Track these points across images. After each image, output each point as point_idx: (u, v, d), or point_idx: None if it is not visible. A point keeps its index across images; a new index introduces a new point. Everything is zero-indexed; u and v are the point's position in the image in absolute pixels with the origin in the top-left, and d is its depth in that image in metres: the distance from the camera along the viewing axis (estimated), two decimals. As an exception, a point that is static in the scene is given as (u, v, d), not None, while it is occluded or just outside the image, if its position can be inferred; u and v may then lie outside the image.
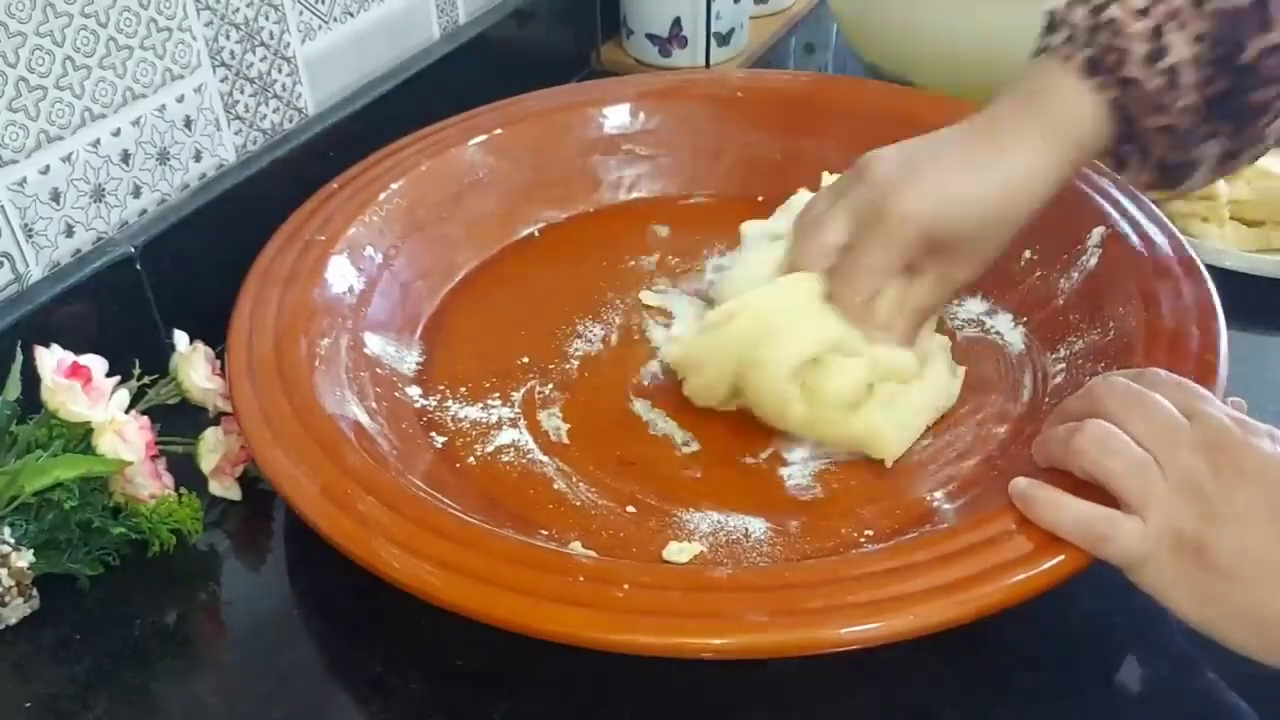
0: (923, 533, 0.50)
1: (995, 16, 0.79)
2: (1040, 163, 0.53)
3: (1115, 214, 0.64)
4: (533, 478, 0.58)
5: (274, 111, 0.73)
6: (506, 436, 0.60)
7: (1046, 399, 0.59)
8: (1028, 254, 0.67)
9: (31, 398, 0.53)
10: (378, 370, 0.62)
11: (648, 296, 0.70)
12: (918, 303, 0.56)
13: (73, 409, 0.52)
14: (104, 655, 0.50)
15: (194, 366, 0.57)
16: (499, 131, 0.75)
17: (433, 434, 0.60)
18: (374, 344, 0.63)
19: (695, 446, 0.59)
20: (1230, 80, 0.50)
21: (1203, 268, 0.60)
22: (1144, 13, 0.50)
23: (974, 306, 0.68)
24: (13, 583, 0.50)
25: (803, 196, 0.64)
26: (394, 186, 0.70)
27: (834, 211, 0.56)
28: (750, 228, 0.66)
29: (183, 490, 0.55)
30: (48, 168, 0.60)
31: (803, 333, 0.56)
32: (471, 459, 0.59)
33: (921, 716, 0.47)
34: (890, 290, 0.56)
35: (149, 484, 0.54)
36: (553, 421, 0.61)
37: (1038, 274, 0.66)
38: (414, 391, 0.63)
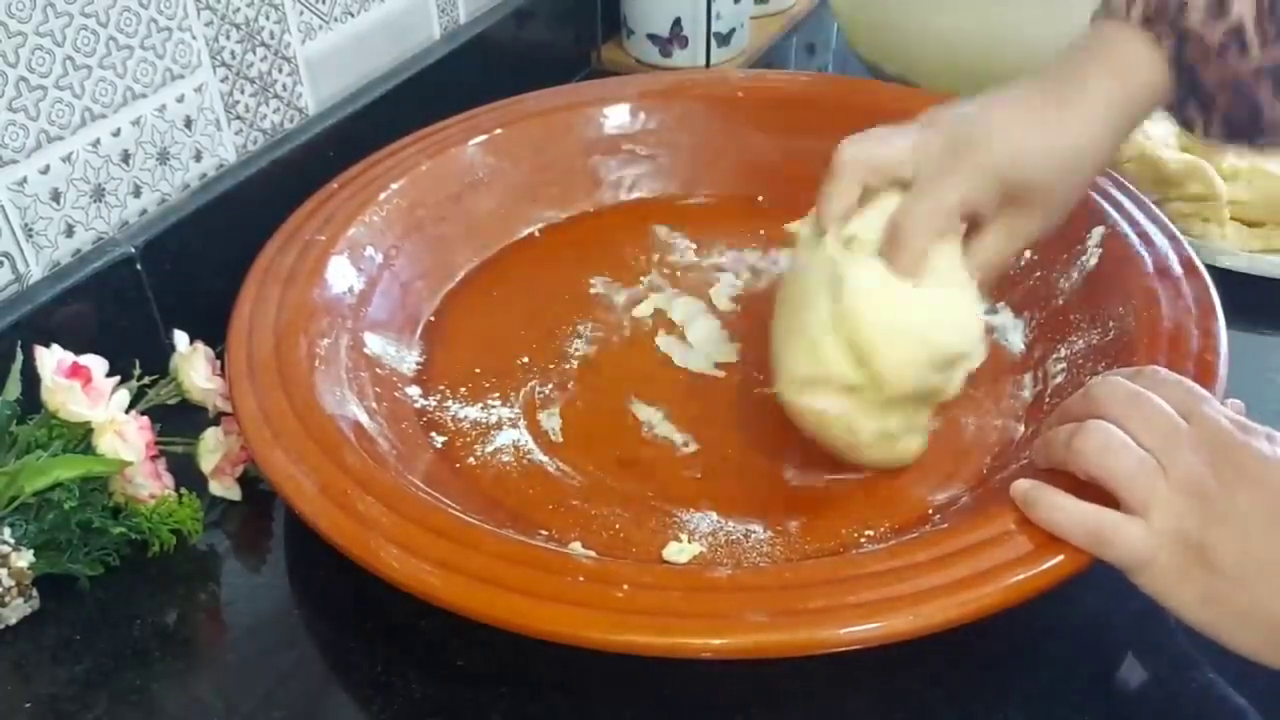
0: (923, 533, 0.50)
1: (996, 17, 0.79)
2: (1105, 115, 0.53)
3: (1115, 214, 0.64)
4: (533, 478, 0.58)
5: (274, 111, 0.73)
6: (506, 436, 0.60)
7: (1047, 399, 0.59)
8: (1028, 254, 0.67)
9: (31, 398, 0.53)
10: (378, 370, 0.62)
11: (648, 298, 0.70)
12: (989, 253, 0.55)
13: (73, 409, 0.52)
14: (104, 655, 0.50)
15: (194, 366, 0.57)
16: (499, 131, 0.75)
17: (433, 434, 0.60)
18: (374, 344, 0.63)
19: (695, 446, 0.59)
20: None
21: (1203, 268, 0.60)
22: None
23: (974, 306, 0.68)
24: (13, 583, 0.50)
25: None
26: (394, 186, 0.70)
27: (897, 134, 0.55)
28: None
29: (183, 490, 0.55)
30: (48, 167, 0.60)
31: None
32: (471, 459, 0.59)
33: (921, 716, 0.47)
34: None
35: (149, 484, 0.54)
36: (553, 421, 0.61)
37: (1038, 274, 0.66)
38: (414, 391, 0.63)
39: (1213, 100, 0.52)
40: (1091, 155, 0.54)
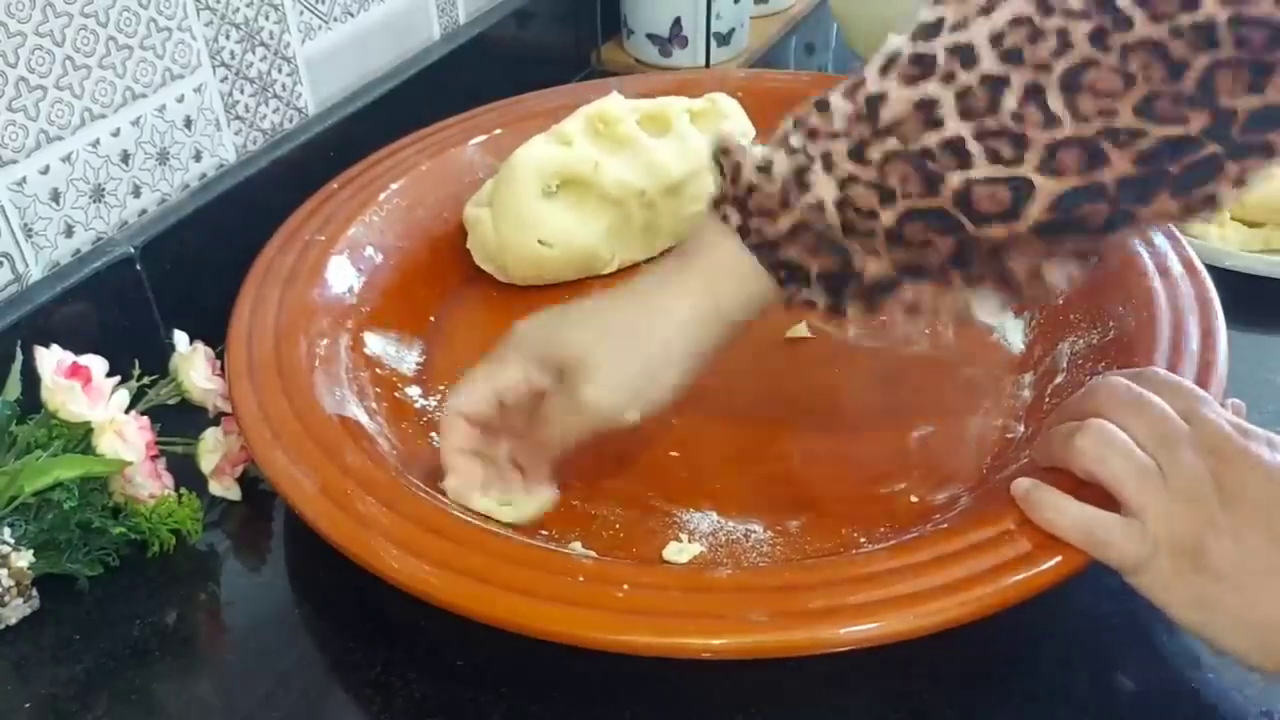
0: (923, 533, 0.50)
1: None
2: (679, 334, 0.49)
3: (1115, 214, 0.64)
4: (533, 478, 0.58)
5: (274, 111, 0.73)
6: (506, 436, 0.60)
7: (1047, 399, 0.59)
8: (1028, 254, 0.67)
9: (31, 398, 0.53)
10: (378, 370, 0.62)
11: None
12: (553, 433, 0.52)
13: (73, 409, 0.52)
14: (104, 655, 0.50)
15: (194, 366, 0.57)
16: (499, 131, 0.75)
17: (433, 434, 0.60)
18: (374, 344, 0.63)
19: (695, 446, 0.59)
20: (956, 234, 0.44)
21: (1203, 268, 0.60)
22: (791, 152, 0.46)
23: (974, 306, 0.68)
24: (13, 583, 0.50)
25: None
26: (394, 186, 0.70)
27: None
28: None
29: (183, 490, 0.55)
30: (48, 168, 0.60)
31: None
32: (471, 459, 0.59)
33: (921, 716, 0.47)
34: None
35: (149, 484, 0.54)
36: (553, 421, 0.61)
37: (1038, 274, 0.66)
38: (414, 391, 0.63)
39: (797, 267, 0.48)
40: (680, 359, 0.50)
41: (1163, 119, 0.41)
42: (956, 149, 0.43)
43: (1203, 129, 0.41)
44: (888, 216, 0.45)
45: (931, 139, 0.43)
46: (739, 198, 0.48)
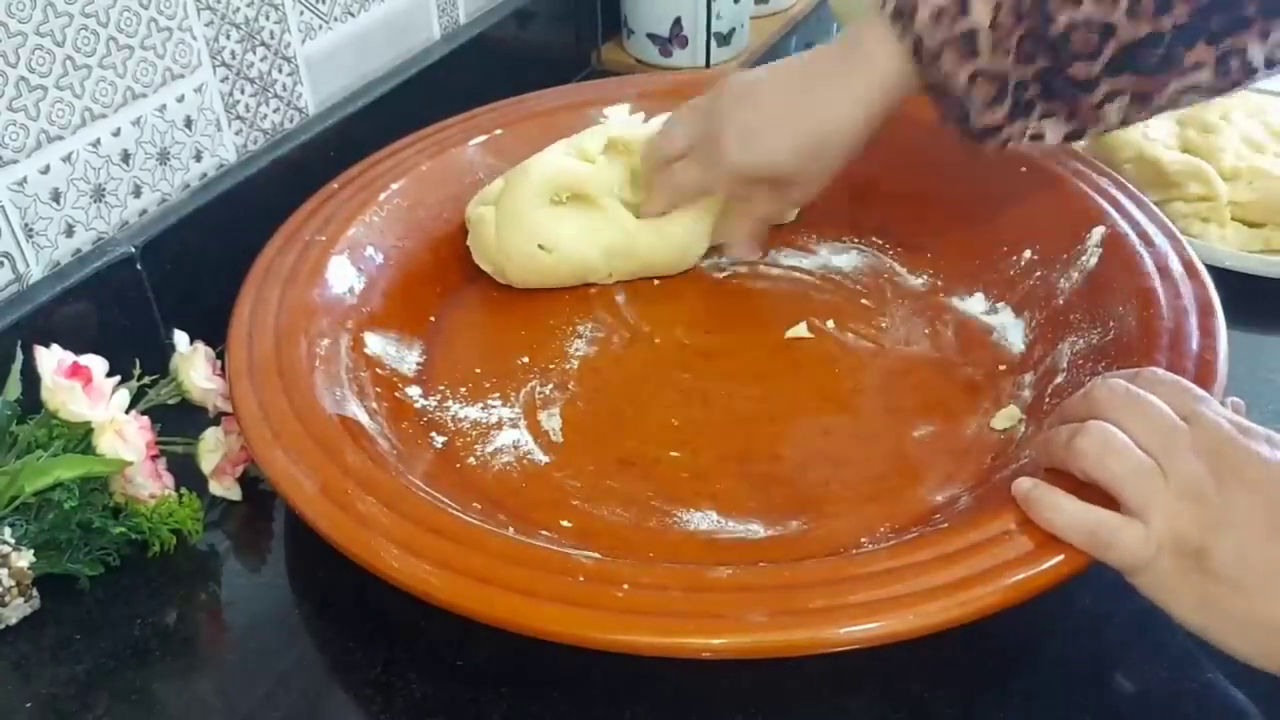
0: (923, 533, 0.50)
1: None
2: (850, 111, 0.60)
3: (1115, 214, 0.64)
4: (533, 478, 0.58)
5: (274, 111, 0.73)
6: (506, 436, 0.60)
7: (1047, 399, 0.59)
8: (1028, 254, 0.67)
9: (31, 398, 0.53)
10: (378, 370, 0.62)
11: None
12: (759, 211, 0.66)
13: (73, 409, 0.52)
14: (104, 655, 0.50)
15: (194, 366, 0.57)
16: (499, 131, 0.75)
17: (433, 434, 0.60)
18: (374, 344, 0.63)
19: (695, 446, 0.59)
20: (1050, 57, 0.53)
21: (1203, 268, 0.60)
22: None
23: (974, 305, 0.68)
24: (13, 583, 0.50)
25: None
26: (394, 186, 0.70)
27: (680, 130, 0.66)
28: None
29: (183, 490, 0.55)
30: (48, 167, 0.60)
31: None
32: (471, 459, 0.59)
33: (921, 716, 0.47)
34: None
35: (149, 484, 0.54)
36: (553, 421, 0.61)
37: (1038, 274, 0.66)
38: (414, 391, 0.63)
39: (953, 98, 0.57)
40: (838, 141, 0.61)
41: None
42: None
43: None
44: (1013, 41, 0.54)
45: None
46: (915, 23, 0.55)
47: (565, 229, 0.68)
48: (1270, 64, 0.52)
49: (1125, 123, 0.56)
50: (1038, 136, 0.57)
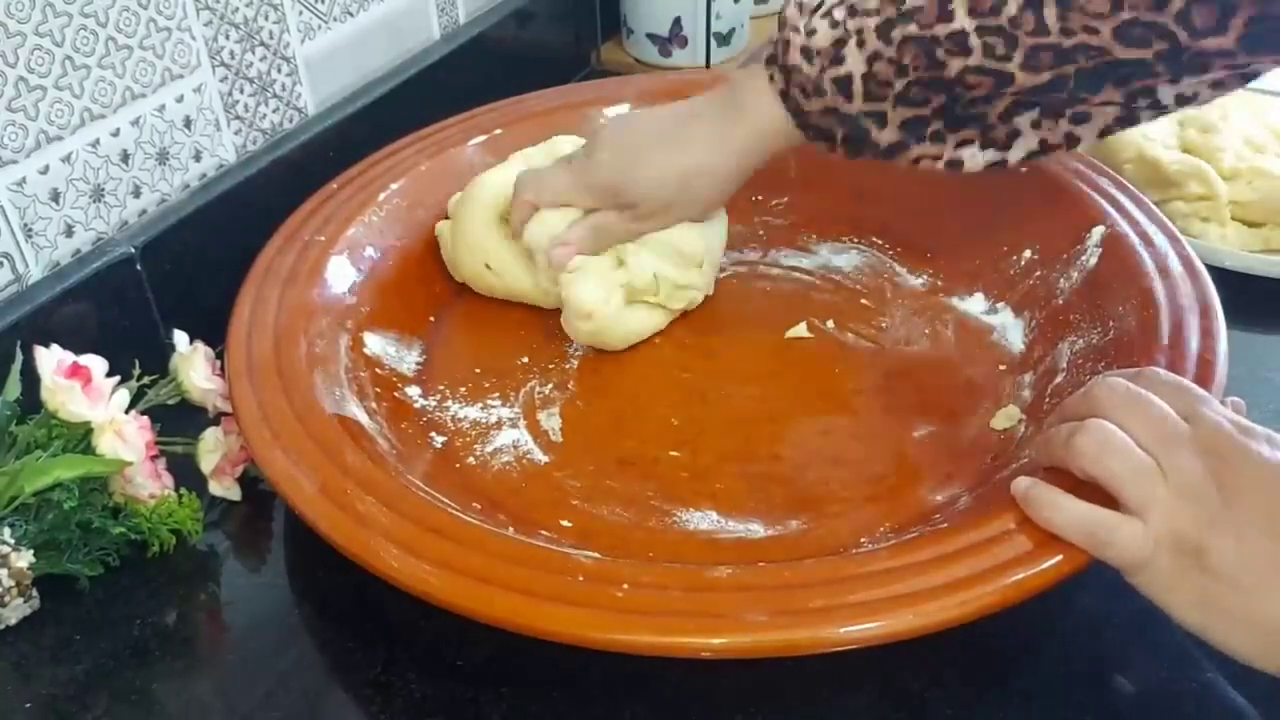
0: (923, 533, 0.50)
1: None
2: (721, 158, 0.61)
3: (1115, 214, 0.64)
4: (533, 478, 0.58)
5: (274, 111, 0.73)
6: (506, 436, 0.60)
7: (1047, 399, 0.59)
8: (1028, 254, 0.67)
9: (31, 398, 0.53)
10: (378, 370, 0.62)
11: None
12: (607, 227, 0.64)
13: (73, 409, 0.52)
14: (104, 655, 0.50)
15: (194, 366, 0.57)
16: (499, 131, 0.75)
17: (433, 434, 0.60)
18: (374, 344, 0.63)
19: (695, 447, 0.59)
20: (948, 94, 0.54)
21: (1203, 268, 0.60)
22: (834, 24, 0.55)
23: (974, 305, 0.68)
24: (13, 583, 0.50)
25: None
26: (394, 186, 0.70)
27: (555, 166, 0.66)
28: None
29: (183, 490, 0.55)
30: (47, 168, 0.60)
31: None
32: (471, 459, 0.59)
33: (921, 716, 0.47)
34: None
35: (149, 484, 0.54)
36: (552, 421, 0.61)
37: (1038, 274, 0.66)
38: (414, 391, 0.63)
39: (825, 131, 0.58)
40: (704, 178, 0.62)
41: (1132, 43, 0.48)
42: (960, 40, 0.52)
43: (1157, 55, 0.48)
44: (899, 85, 0.54)
45: (942, 29, 0.52)
46: (785, 67, 0.57)
47: (509, 252, 0.67)
48: (1181, 101, 0.52)
49: (1045, 150, 0.56)
50: (955, 163, 0.57)
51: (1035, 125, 0.55)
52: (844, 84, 0.55)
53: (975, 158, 0.57)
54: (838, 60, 0.55)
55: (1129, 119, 0.54)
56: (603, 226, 0.64)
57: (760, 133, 0.60)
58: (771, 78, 0.58)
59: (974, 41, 0.51)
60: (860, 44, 0.54)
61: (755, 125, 0.60)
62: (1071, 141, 0.55)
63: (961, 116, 0.55)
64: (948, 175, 0.57)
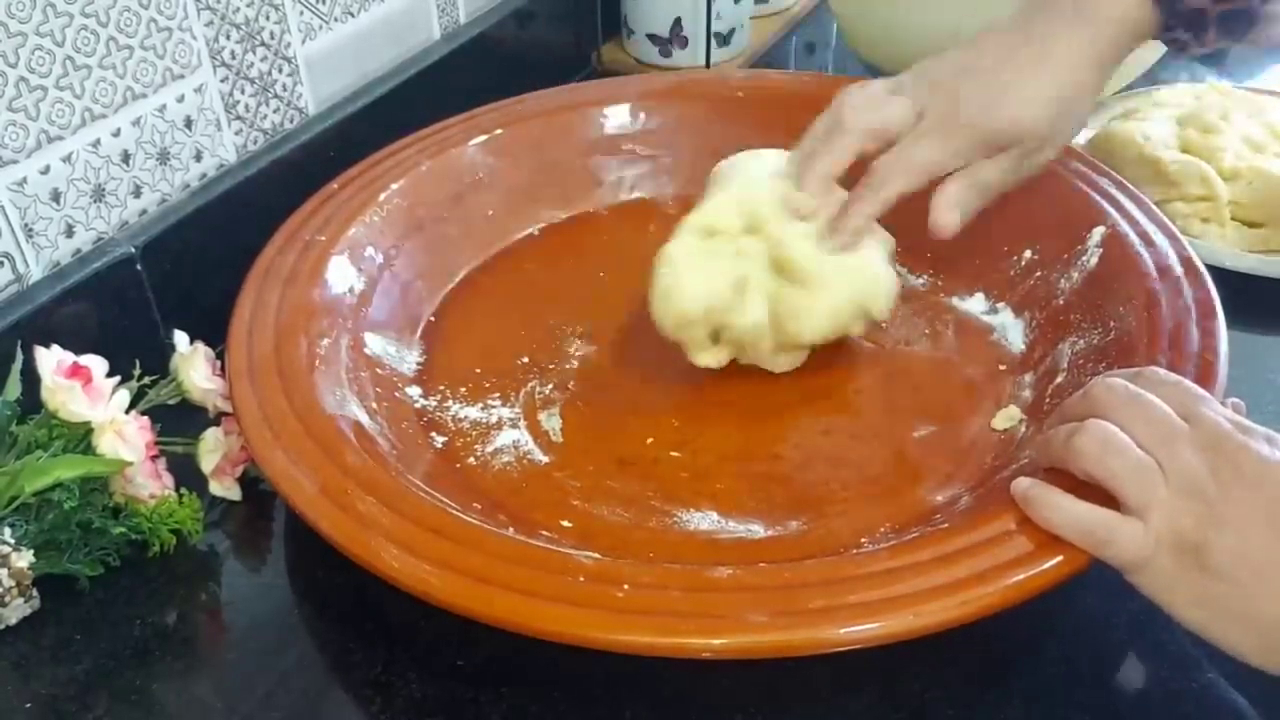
0: (923, 533, 0.50)
1: (994, 16, 0.79)
2: (1086, 57, 0.55)
3: (1115, 214, 0.64)
4: (533, 478, 0.58)
5: (274, 111, 0.73)
6: (506, 436, 0.60)
7: (1047, 399, 0.59)
8: (1028, 254, 0.67)
9: (31, 398, 0.53)
10: (378, 370, 0.62)
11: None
12: (992, 179, 0.58)
13: (73, 409, 0.52)
14: (104, 655, 0.50)
15: (194, 366, 0.57)
16: (499, 131, 0.75)
17: (433, 434, 0.60)
18: (374, 344, 0.63)
19: (695, 447, 0.59)
20: None
21: (1203, 268, 0.60)
22: None
23: (974, 305, 0.68)
24: (13, 583, 0.50)
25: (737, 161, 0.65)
26: (394, 186, 0.70)
27: (897, 99, 0.58)
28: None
29: (183, 490, 0.55)
30: (48, 168, 0.60)
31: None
32: (471, 459, 0.59)
33: (921, 717, 0.47)
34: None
35: (149, 484, 0.54)
36: (553, 421, 0.61)
37: (1038, 274, 0.66)
38: (414, 391, 0.63)
39: (1199, 16, 0.53)
40: (1077, 96, 0.56)
41: None
42: None
43: None
44: None
45: None
46: None
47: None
48: None
49: None
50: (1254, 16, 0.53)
51: None
52: None
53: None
54: None
55: None
56: (984, 179, 0.57)
57: (1118, 37, 0.55)
58: None
59: None
60: None
61: (1114, 28, 0.54)
62: None
63: None
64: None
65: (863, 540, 0.53)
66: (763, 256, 0.59)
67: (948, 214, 0.57)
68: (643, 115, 0.78)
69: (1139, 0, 0.54)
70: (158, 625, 0.52)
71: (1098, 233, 0.64)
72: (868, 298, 0.59)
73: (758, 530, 0.54)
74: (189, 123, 0.67)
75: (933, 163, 0.57)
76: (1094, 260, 0.63)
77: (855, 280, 0.59)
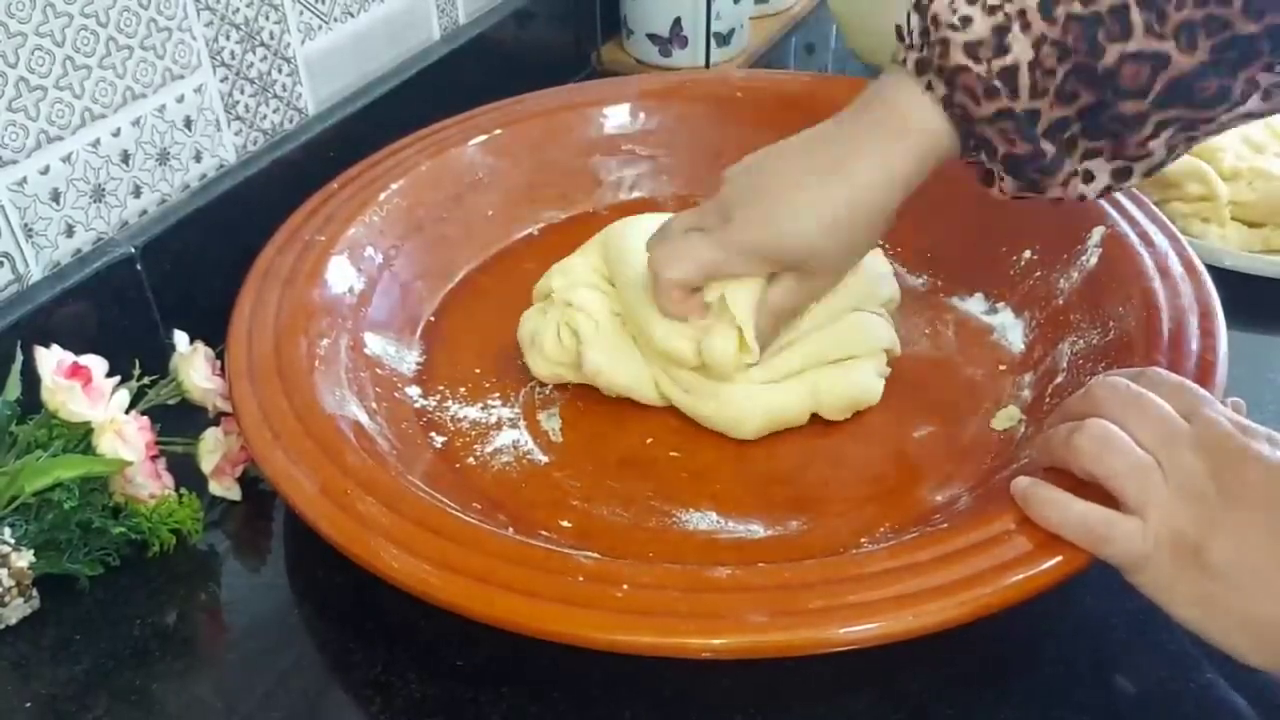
0: (923, 533, 0.50)
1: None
2: (880, 176, 0.53)
3: (1115, 214, 0.64)
4: (532, 478, 0.58)
5: (274, 111, 0.73)
6: (506, 437, 0.60)
7: (1046, 399, 0.59)
8: (1028, 254, 0.67)
9: (31, 398, 0.53)
10: (378, 370, 0.62)
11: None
12: (777, 303, 0.57)
13: (73, 409, 0.52)
14: (104, 655, 0.50)
15: (194, 366, 0.57)
16: (499, 132, 0.75)
17: (433, 434, 0.60)
18: (374, 344, 0.63)
19: (695, 446, 0.59)
20: (1095, 93, 0.49)
21: (1203, 268, 0.60)
22: (991, 10, 0.49)
23: (974, 306, 0.68)
24: (13, 583, 0.50)
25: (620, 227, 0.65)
26: (394, 186, 0.70)
27: (687, 217, 0.58)
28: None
29: (183, 490, 0.55)
30: (48, 168, 0.60)
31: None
32: (471, 459, 0.59)
33: (921, 717, 0.47)
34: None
35: (149, 484, 0.54)
36: (552, 422, 0.61)
37: (1038, 274, 0.66)
38: (414, 391, 0.63)
39: (990, 142, 0.51)
40: (866, 218, 0.54)
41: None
42: (1122, 17, 0.47)
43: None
44: (1060, 74, 0.49)
45: (1104, 2, 0.47)
46: (947, 70, 0.50)
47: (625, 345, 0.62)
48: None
49: (1172, 156, 0.51)
50: (1089, 177, 0.52)
51: (1169, 126, 0.49)
52: (1011, 76, 0.49)
53: (1104, 168, 0.51)
54: (1002, 50, 0.49)
55: (1265, 110, 0.49)
56: (776, 305, 0.56)
57: (921, 152, 0.52)
58: (929, 85, 0.51)
59: (1135, 17, 0.46)
60: (1025, 26, 0.48)
61: (917, 144, 0.52)
62: (1200, 138, 0.51)
63: (1104, 122, 0.50)
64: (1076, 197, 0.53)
65: (862, 540, 0.53)
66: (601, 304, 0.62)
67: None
68: (642, 115, 0.78)
69: (941, 126, 0.52)
70: (157, 625, 0.52)
71: (1097, 233, 0.64)
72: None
73: (757, 530, 0.54)
74: (189, 123, 0.67)
75: (705, 266, 0.56)
76: (1094, 260, 0.63)
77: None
